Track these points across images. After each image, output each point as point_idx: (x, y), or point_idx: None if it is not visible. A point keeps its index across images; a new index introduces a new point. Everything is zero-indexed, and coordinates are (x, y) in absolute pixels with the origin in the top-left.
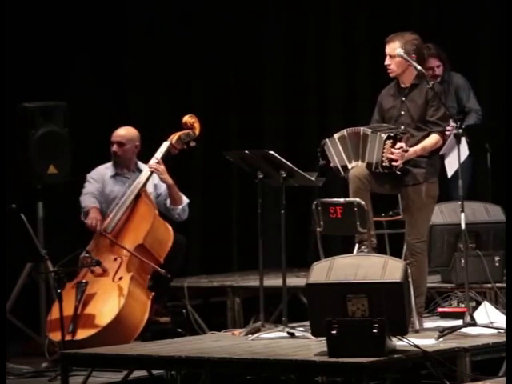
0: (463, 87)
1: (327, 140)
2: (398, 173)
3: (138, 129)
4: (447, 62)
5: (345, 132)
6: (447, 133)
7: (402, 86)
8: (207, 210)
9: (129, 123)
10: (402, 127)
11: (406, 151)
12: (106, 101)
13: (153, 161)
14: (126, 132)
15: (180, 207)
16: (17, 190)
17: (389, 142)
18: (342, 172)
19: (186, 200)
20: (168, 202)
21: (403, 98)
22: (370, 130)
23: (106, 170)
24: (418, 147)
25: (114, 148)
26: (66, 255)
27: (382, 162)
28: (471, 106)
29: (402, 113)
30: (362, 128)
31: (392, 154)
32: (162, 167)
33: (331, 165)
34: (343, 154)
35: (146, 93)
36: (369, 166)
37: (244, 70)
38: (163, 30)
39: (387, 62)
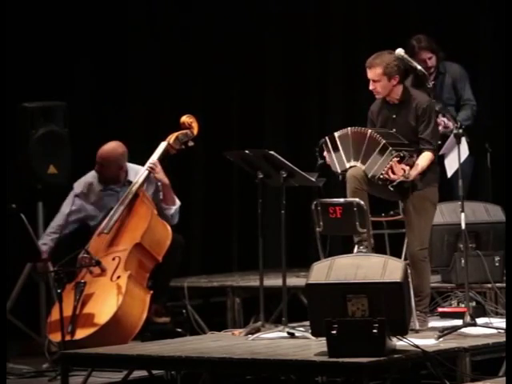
0: (460, 78)
1: (326, 138)
2: (391, 189)
3: (138, 129)
4: (440, 52)
5: (348, 131)
6: (440, 128)
7: (391, 102)
8: (207, 210)
9: (129, 123)
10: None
11: (407, 178)
12: (106, 101)
13: (148, 164)
14: (107, 154)
15: (174, 208)
16: (17, 190)
17: (395, 160)
18: (338, 171)
19: (178, 203)
20: (162, 204)
21: (394, 116)
22: (383, 140)
23: (93, 179)
24: (417, 170)
25: (96, 167)
26: (66, 255)
27: (381, 174)
28: (466, 98)
29: (394, 130)
30: (370, 130)
31: (393, 173)
32: (157, 167)
33: (328, 162)
34: (342, 153)
35: (146, 93)
36: (367, 171)
37: (245, 71)
38: (164, 30)
39: (372, 87)
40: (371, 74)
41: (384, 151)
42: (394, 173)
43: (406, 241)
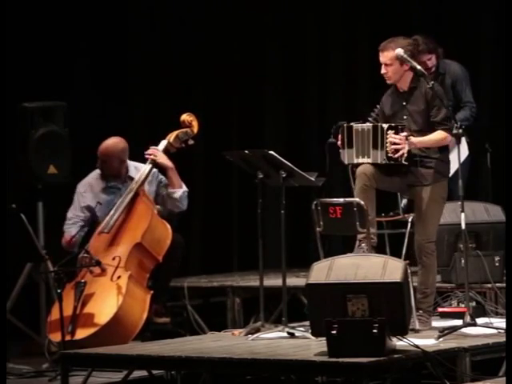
0: (460, 79)
1: (344, 125)
2: (405, 163)
3: (139, 128)
4: (438, 50)
5: (359, 127)
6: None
7: (401, 90)
8: (207, 210)
9: (129, 122)
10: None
11: (409, 136)
12: (106, 100)
13: (149, 150)
14: (109, 149)
15: (180, 190)
16: (17, 190)
17: (391, 132)
18: (346, 161)
19: (185, 187)
20: (168, 189)
21: (404, 103)
22: (371, 125)
23: (95, 181)
24: (424, 138)
25: (98, 163)
26: (66, 255)
27: (387, 152)
28: (466, 100)
29: (405, 117)
30: (365, 124)
31: (395, 143)
32: (158, 152)
33: (339, 145)
34: (354, 146)
35: (147, 92)
36: (375, 160)
37: (245, 70)
38: (164, 30)
39: (383, 70)
40: (384, 57)
41: (376, 131)
42: (397, 144)
43: (406, 241)
